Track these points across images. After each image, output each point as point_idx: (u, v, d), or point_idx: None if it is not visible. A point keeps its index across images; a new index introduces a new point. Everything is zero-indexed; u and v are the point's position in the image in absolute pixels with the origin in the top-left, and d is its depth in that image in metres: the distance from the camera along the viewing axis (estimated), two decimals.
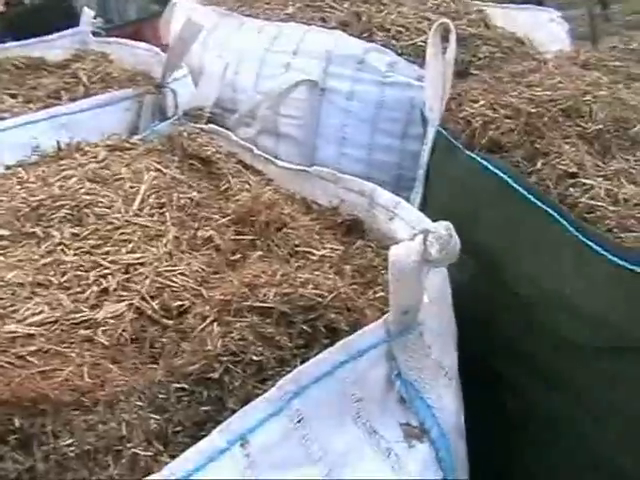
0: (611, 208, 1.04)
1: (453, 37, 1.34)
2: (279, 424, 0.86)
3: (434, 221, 1.14)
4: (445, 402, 0.97)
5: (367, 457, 0.90)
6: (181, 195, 1.25)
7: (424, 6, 2.03)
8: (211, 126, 1.56)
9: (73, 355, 0.96)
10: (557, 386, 1.05)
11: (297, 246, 1.12)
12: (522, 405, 1.10)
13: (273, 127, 1.79)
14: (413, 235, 0.86)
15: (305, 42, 1.84)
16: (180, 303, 1.02)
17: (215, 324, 0.95)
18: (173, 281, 1.05)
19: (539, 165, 1.14)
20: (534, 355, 1.07)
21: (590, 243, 0.98)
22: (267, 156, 1.45)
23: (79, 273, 1.08)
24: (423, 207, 1.34)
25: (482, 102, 1.28)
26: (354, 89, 1.74)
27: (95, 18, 2.17)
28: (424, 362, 0.96)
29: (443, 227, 0.85)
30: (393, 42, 1.83)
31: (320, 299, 0.95)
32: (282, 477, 0.86)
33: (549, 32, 2.13)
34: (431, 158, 1.34)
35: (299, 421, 0.87)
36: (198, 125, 1.55)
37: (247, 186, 1.28)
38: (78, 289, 1.06)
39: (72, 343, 0.98)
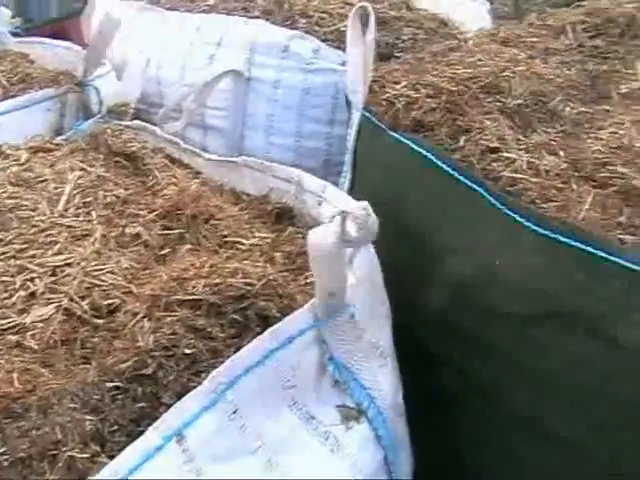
0: (533, 180, 1.05)
1: (372, 20, 1.34)
2: (214, 416, 0.86)
3: None
4: (381, 381, 0.98)
5: (305, 442, 0.90)
6: (107, 193, 1.24)
7: None
8: (136, 122, 1.54)
9: (2, 362, 0.94)
10: (492, 358, 1.06)
11: (226, 237, 1.11)
12: (459, 379, 1.12)
13: (200, 120, 1.78)
14: (331, 217, 0.86)
15: (228, 33, 1.83)
16: (110, 302, 1.01)
17: (145, 320, 0.94)
18: (102, 280, 1.04)
19: (462, 142, 1.15)
20: (468, 329, 1.08)
21: (514, 215, 1.00)
22: (194, 149, 1.44)
23: (5, 279, 1.06)
24: (352, 191, 1.34)
25: (404, 83, 1.29)
26: (279, 77, 1.73)
27: (13, 18, 2.12)
28: (357, 343, 0.96)
29: (360, 207, 0.86)
30: (316, 28, 1.83)
31: (249, 287, 0.95)
32: (222, 469, 0.86)
33: (471, 12, 2.15)
34: (357, 141, 1.34)
35: (234, 412, 0.87)
36: (123, 122, 1.53)
37: (174, 180, 1.27)
38: (5, 295, 1.04)
39: (0, 350, 0.96)
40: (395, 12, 1.96)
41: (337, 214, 0.88)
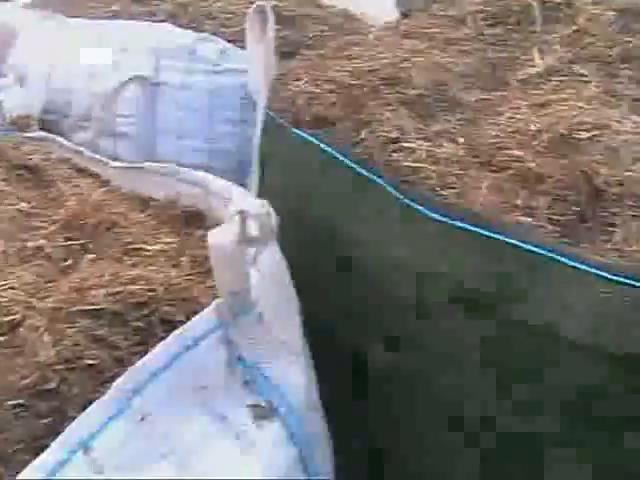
0: (432, 168, 1.06)
1: (271, 18, 1.35)
2: (122, 425, 0.85)
3: (271, 202, 1.15)
4: (292, 379, 0.98)
5: (217, 444, 0.90)
6: (9, 207, 1.21)
7: None
8: (40, 133, 1.51)
9: None
10: (403, 346, 1.07)
11: (130, 244, 1.09)
12: (373, 369, 1.13)
13: (109, 128, 1.75)
14: (230, 217, 0.86)
15: (133, 38, 1.81)
16: (11, 317, 0.99)
17: (46, 333, 0.92)
18: (3, 296, 1.01)
19: (363, 134, 1.16)
20: (377, 320, 1.09)
21: (413, 204, 1.01)
22: (100, 157, 1.41)
23: None
24: (261, 190, 1.34)
25: (305, 79, 1.29)
26: (187, 81, 1.72)
27: None
28: (265, 342, 0.96)
29: (259, 205, 0.86)
30: (222, 29, 1.83)
31: (152, 294, 0.94)
32: (134, 476, 0.85)
33: (379, 5, 2.17)
34: (262, 140, 1.34)
35: (142, 419, 0.86)
36: (26, 133, 1.50)
37: (77, 191, 1.25)
38: None
39: None
40: (301, 9, 1.96)
41: (236, 213, 0.88)
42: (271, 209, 0.91)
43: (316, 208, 1.18)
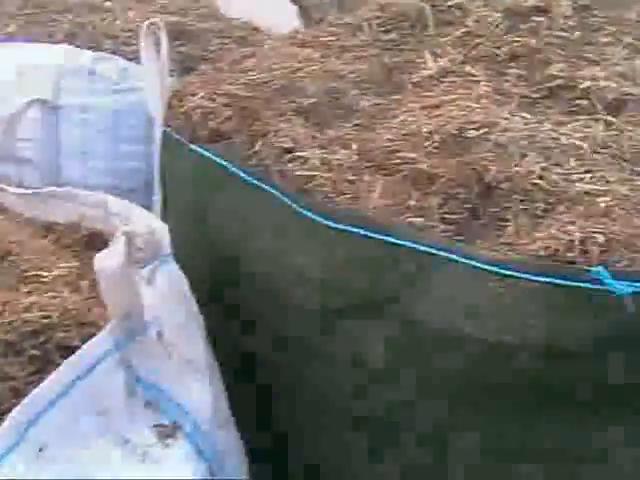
0: (326, 175, 1.07)
1: (164, 35, 1.34)
2: (20, 457, 0.83)
3: (173, 219, 1.14)
4: (197, 395, 0.98)
5: (122, 467, 0.89)
6: None
7: (152, 7, 2.03)
8: None
9: None
10: (308, 354, 1.08)
11: (26, 272, 1.08)
12: (281, 377, 1.13)
13: (11, 153, 1.72)
14: (116, 238, 0.85)
15: (32, 60, 1.78)
16: None
17: None
18: None
19: (258, 146, 1.16)
20: (281, 329, 1.10)
21: (307, 213, 1.02)
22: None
23: None
24: (164, 208, 1.33)
25: (201, 94, 1.29)
26: (89, 101, 1.71)
27: None
28: (166, 361, 0.95)
29: (144, 226, 0.85)
30: (123, 48, 1.82)
31: (47, 320, 0.93)
32: None
33: (282, 16, 2.18)
34: (162, 158, 1.33)
35: (41, 449, 0.84)
36: None
37: None
38: None
39: None
40: (203, 23, 1.96)
41: (121, 235, 0.87)
42: (161, 227, 0.90)
43: (216, 222, 1.17)
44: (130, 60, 1.76)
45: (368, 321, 1.01)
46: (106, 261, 0.85)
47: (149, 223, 0.97)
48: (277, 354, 1.13)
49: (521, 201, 1.05)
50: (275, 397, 1.15)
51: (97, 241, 1.22)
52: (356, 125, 1.23)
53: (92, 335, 0.93)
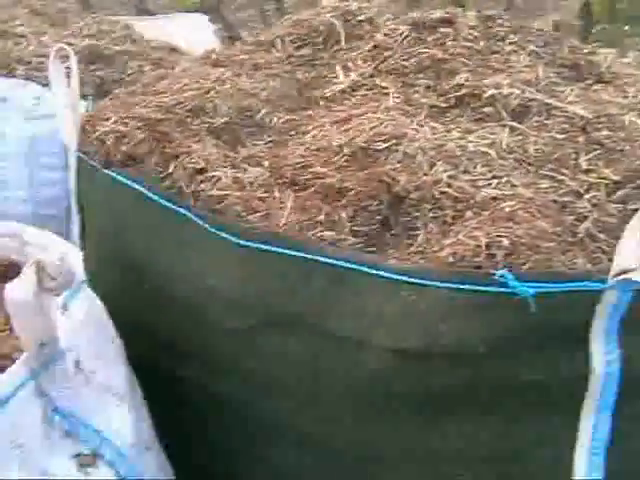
0: (237, 194, 1.08)
1: (73, 59, 1.34)
2: None
3: (92, 245, 1.14)
4: (117, 421, 0.97)
5: None
6: None
7: (66, 31, 2.02)
8: None
9: None
10: (227, 372, 1.09)
11: None
12: (201, 396, 1.13)
13: None
14: (25, 269, 0.84)
15: None
16: None
17: None
18: None
19: (171, 168, 1.16)
20: (201, 349, 1.10)
21: (219, 232, 1.02)
22: None
23: None
24: (83, 234, 1.33)
25: (114, 119, 1.28)
26: (3, 130, 1.68)
27: None
28: (84, 388, 0.95)
29: (56, 254, 0.85)
30: (36, 74, 1.80)
31: None
32: None
33: (200, 36, 2.19)
34: (78, 184, 1.32)
35: None
36: None
37: None
38: None
39: None
40: (119, 47, 1.96)
41: (31, 264, 0.87)
42: (75, 254, 0.90)
43: (132, 246, 1.17)
44: (45, 86, 1.74)
45: (284, 337, 1.02)
46: (16, 291, 0.84)
47: (62, 251, 0.97)
48: (198, 373, 1.13)
49: (430, 210, 1.07)
50: (201, 415, 1.15)
51: (12, 272, 1.21)
52: (268, 142, 1.24)
53: (5, 368, 0.92)
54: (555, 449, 1.02)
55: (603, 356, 1.00)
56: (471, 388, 0.97)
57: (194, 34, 2.16)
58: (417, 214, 1.07)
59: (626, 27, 4.82)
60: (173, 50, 2.12)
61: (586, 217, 1.10)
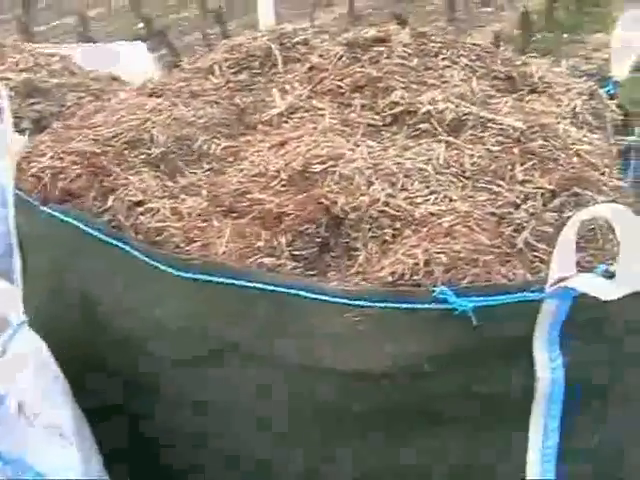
0: (176, 225, 1.08)
1: (4, 95, 1.33)
2: None
3: (33, 283, 1.12)
4: (63, 462, 0.96)
5: None
6: None
7: (3, 66, 1.99)
8: None
9: None
10: (177, 403, 1.08)
11: None
12: (152, 428, 1.12)
13: None
14: None
15: None
16: None
17: None
18: None
19: (110, 202, 1.16)
20: (150, 381, 1.09)
21: (159, 265, 1.02)
22: None
23: None
24: (24, 272, 1.31)
25: (50, 154, 1.28)
26: None
27: None
28: (27, 431, 0.94)
29: None
30: None
31: None
32: None
33: (139, 64, 2.18)
34: (17, 221, 1.31)
35: None
36: None
37: None
38: None
39: None
40: (57, 79, 1.94)
41: None
42: (13, 295, 0.89)
43: (75, 283, 1.16)
44: None
45: (231, 366, 1.01)
46: None
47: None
48: (148, 406, 1.12)
49: (369, 229, 1.08)
50: (153, 449, 1.14)
51: None
52: (207, 170, 1.24)
53: None
54: (515, 460, 1.03)
55: (547, 364, 1.01)
56: (425, 405, 0.98)
57: (134, 63, 2.15)
58: (356, 234, 1.08)
59: (565, 35, 4.92)
60: (114, 80, 2.10)
61: (524, 227, 1.11)
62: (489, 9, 5.38)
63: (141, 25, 5.00)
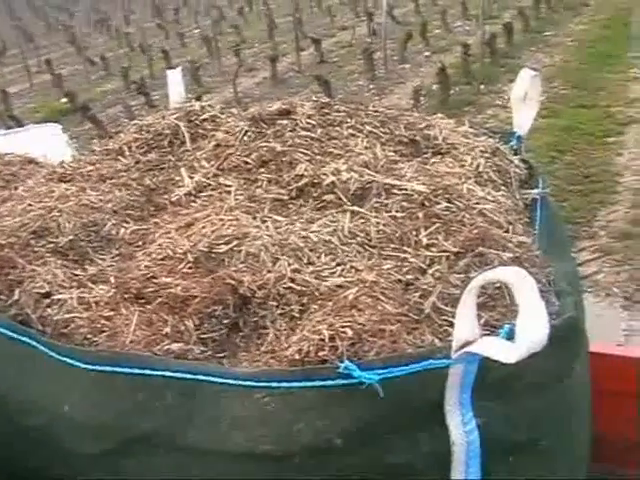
0: (84, 315, 1.07)
1: None
2: None
3: None
4: None
5: None
6: None
7: None
8: None
9: None
10: None
11: None
12: None
13: None
14: None
15: None
16: None
17: None
18: None
19: (17, 295, 1.15)
20: (66, 476, 1.07)
21: (65, 359, 1.01)
22: None
23: None
24: None
25: None
26: None
27: None
28: None
29: None
30: None
31: None
32: None
33: (52, 146, 2.18)
34: None
35: None
36: None
37: None
38: None
39: None
40: None
41: None
42: None
43: None
44: None
45: (144, 456, 1.00)
46: None
47: None
48: None
49: (277, 306, 1.09)
50: None
51: None
52: (116, 256, 1.24)
53: None
54: None
55: (461, 427, 1.01)
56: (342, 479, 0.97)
57: (49, 144, 2.15)
58: (264, 312, 1.08)
59: (482, 86, 5.07)
60: (30, 162, 2.09)
61: (431, 292, 1.13)
62: (407, 65, 5.52)
63: (64, 100, 5.01)
